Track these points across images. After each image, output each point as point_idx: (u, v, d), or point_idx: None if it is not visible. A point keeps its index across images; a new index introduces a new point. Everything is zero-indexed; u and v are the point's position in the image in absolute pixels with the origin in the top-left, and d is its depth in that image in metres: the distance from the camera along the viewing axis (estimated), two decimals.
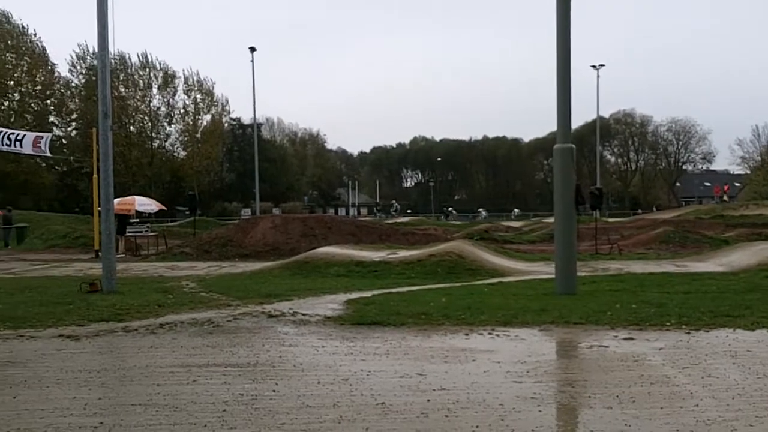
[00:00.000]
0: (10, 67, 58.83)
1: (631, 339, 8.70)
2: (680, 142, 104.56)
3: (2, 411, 5.88)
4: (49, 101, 63.74)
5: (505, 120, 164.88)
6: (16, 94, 60.38)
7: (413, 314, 10.48)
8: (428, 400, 6.03)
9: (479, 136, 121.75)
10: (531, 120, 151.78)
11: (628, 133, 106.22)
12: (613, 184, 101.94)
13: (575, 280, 13.08)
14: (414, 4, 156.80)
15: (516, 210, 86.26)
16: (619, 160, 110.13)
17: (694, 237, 28.59)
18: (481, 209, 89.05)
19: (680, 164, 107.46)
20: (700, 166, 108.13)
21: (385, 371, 7.13)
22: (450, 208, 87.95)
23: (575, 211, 13.12)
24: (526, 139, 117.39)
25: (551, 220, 41.71)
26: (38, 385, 6.83)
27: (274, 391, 6.43)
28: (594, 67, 63.85)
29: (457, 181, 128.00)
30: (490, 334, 9.15)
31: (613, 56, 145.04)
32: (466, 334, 9.15)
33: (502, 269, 17.98)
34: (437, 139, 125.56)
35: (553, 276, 13.40)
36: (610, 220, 51.57)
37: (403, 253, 19.34)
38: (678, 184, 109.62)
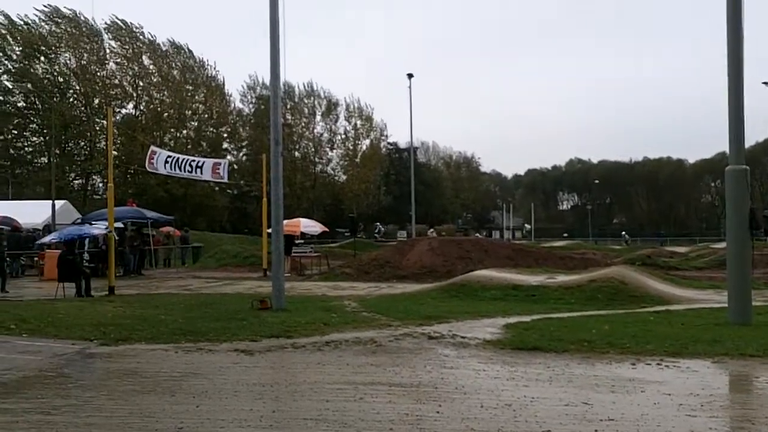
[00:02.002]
0: (188, 96, 63.20)
1: None
2: None
3: (187, 419, 6.34)
4: (223, 129, 67.82)
5: (667, 140, 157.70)
6: (194, 123, 64.73)
7: (575, 341, 10.29)
8: (595, 431, 5.92)
9: (639, 157, 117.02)
10: (696, 140, 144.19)
11: None
12: None
13: (750, 309, 12.34)
14: (567, 23, 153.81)
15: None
16: None
17: None
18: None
19: None
20: None
21: (549, 398, 7.07)
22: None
23: (750, 236, 12.44)
24: (692, 160, 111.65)
25: (720, 245, 39.58)
26: (217, 396, 7.31)
27: (438, 412, 6.53)
28: (766, 83, 59.77)
29: (616, 204, 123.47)
30: (658, 364, 8.82)
31: None
32: (633, 364, 8.89)
33: (667, 296, 17.25)
34: (595, 160, 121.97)
35: (725, 305, 12.70)
36: None
37: (562, 278, 19.01)
38: None
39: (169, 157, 23.02)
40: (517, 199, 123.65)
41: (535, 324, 12.30)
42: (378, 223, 70.51)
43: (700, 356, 9.30)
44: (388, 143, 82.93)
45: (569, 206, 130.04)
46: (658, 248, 47.73)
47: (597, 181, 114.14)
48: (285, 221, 19.23)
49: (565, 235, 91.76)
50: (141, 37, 60.44)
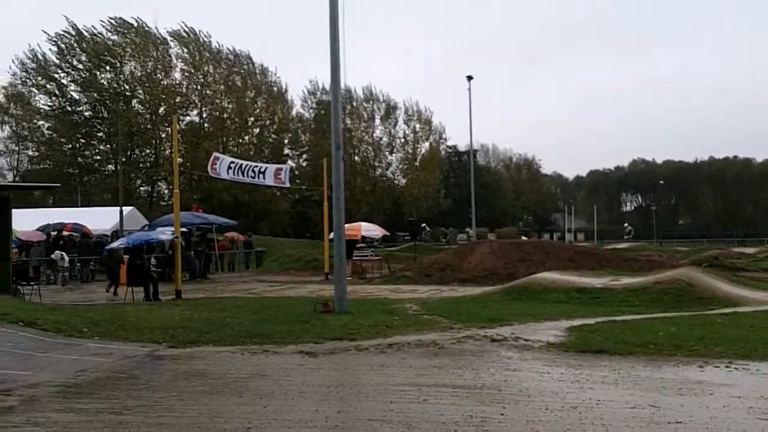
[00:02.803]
0: (250, 103, 64.18)
1: None
2: None
3: (255, 419, 6.49)
4: (284, 134, 68.67)
5: (733, 139, 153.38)
6: (256, 129, 65.71)
7: (641, 343, 10.16)
8: None
9: (705, 157, 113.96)
10: (763, 139, 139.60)
11: None
12: None
13: None
14: (626, 22, 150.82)
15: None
16: None
17: None
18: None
19: None
20: None
21: (615, 401, 7.01)
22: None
23: None
24: (759, 159, 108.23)
25: None
26: (283, 396, 7.46)
27: (502, 414, 6.55)
28: None
29: (681, 205, 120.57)
30: (727, 367, 8.67)
31: None
32: (701, 366, 8.74)
33: (736, 298, 16.80)
34: (659, 160, 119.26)
35: None
36: None
37: (626, 280, 18.69)
38: None
39: (232, 162, 23.42)
40: (579, 200, 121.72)
41: (600, 326, 12.17)
42: (443, 228, 70.13)
43: None
44: (448, 146, 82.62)
45: (633, 207, 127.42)
46: (725, 249, 46.49)
47: (662, 182, 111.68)
48: (346, 225, 19.39)
49: (629, 236, 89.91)
50: (206, 44, 61.65)
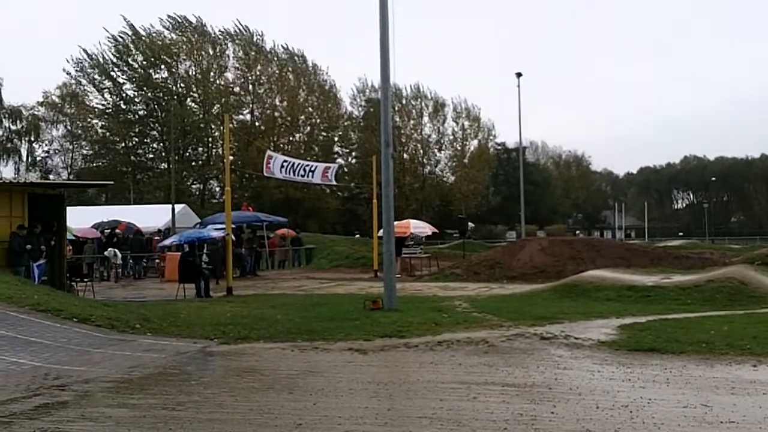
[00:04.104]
0: (301, 102, 64.70)
1: None
2: None
3: (305, 416, 6.57)
4: (334, 132, 69.09)
5: None
6: (307, 127, 66.23)
7: (693, 342, 10.04)
8: None
9: (757, 154, 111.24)
10: None
11: None
12: None
13: None
14: (677, 18, 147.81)
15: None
16: None
17: None
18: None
19: None
20: None
21: (666, 400, 6.95)
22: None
23: None
24: None
25: None
26: (334, 393, 7.54)
27: (552, 413, 6.53)
28: None
29: (733, 203, 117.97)
30: None
31: None
32: (754, 366, 8.61)
33: None
34: (711, 157, 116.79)
35: None
36: None
37: (678, 278, 18.39)
38: None
39: (285, 161, 23.74)
40: (630, 198, 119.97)
41: (651, 325, 12.04)
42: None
43: None
44: (496, 143, 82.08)
45: (684, 205, 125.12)
46: None
47: (714, 179, 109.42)
48: (395, 222, 19.46)
49: (681, 234, 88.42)
50: (259, 42, 62.32)
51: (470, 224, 64.78)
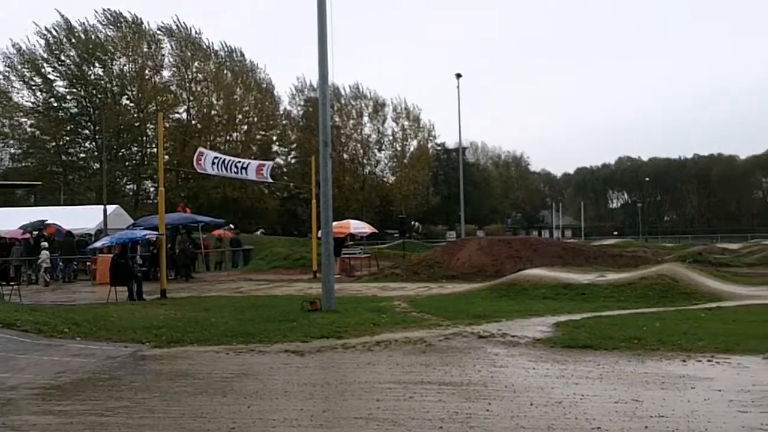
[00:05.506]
0: (239, 100, 63.99)
1: None
2: None
3: (239, 419, 6.45)
4: (272, 132, 68.49)
5: (717, 136, 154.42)
6: (244, 126, 65.50)
7: (626, 338, 10.22)
8: (646, 427, 5.91)
9: (690, 154, 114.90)
10: (747, 136, 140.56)
11: None
12: None
13: None
14: (610, 21, 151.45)
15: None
16: None
17: None
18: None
19: None
20: None
21: (599, 396, 7.04)
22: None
23: None
24: (743, 156, 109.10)
25: None
26: (269, 396, 7.42)
27: (487, 410, 6.55)
28: None
29: (667, 202, 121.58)
30: (709, 361, 8.76)
31: None
32: (683, 361, 8.80)
33: (719, 293, 16.89)
34: (644, 158, 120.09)
35: None
36: None
37: (612, 276, 18.75)
38: None
39: (216, 158, 23.41)
40: (567, 197, 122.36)
41: (586, 322, 12.22)
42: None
43: (751, 352, 9.20)
44: (436, 144, 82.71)
45: (619, 204, 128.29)
46: (709, 245, 46.94)
47: (647, 179, 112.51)
48: (334, 223, 19.34)
49: (615, 233, 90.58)
50: (196, 40, 61.37)
51: (415, 224, 65.11)
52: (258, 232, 45.04)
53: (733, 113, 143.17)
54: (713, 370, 8.28)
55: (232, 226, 39.53)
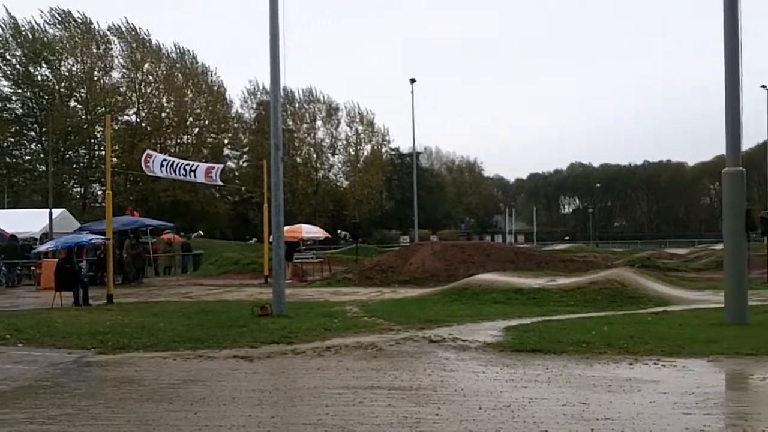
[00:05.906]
0: (189, 102, 63.22)
1: None
2: None
3: (185, 426, 6.32)
4: (223, 135, 67.81)
5: (667, 144, 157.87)
6: (195, 129, 64.73)
7: (574, 342, 10.32)
8: (592, 430, 5.95)
9: (640, 161, 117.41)
10: (695, 143, 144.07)
11: None
12: None
13: (746, 309, 12.39)
14: (562, 30, 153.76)
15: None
16: None
17: None
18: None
19: None
20: None
21: (547, 399, 7.09)
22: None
23: (746, 237, 12.50)
24: (691, 163, 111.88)
25: (718, 247, 39.64)
26: (216, 402, 7.28)
27: (437, 415, 6.54)
28: (764, 86, 59.59)
29: (617, 208, 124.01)
30: (655, 364, 8.88)
31: None
32: (630, 364, 8.92)
33: (666, 298, 17.26)
34: (596, 164, 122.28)
35: (722, 305, 12.79)
36: None
37: (563, 281, 18.99)
38: None
39: (165, 160, 23.15)
40: (520, 203, 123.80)
41: (536, 326, 12.31)
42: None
43: (696, 356, 9.36)
44: (390, 148, 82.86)
45: (571, 210, 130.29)
46: (658, 250, 47.89)
47: (598, 185, 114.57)
48: (286, 227, 19.23)
49: (567, 238, 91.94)
50: (148, 42, 60.47)
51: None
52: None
53: (683, 122, 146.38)
54: (659, 373, 8.39)
55: (189, 236, 38.99)
